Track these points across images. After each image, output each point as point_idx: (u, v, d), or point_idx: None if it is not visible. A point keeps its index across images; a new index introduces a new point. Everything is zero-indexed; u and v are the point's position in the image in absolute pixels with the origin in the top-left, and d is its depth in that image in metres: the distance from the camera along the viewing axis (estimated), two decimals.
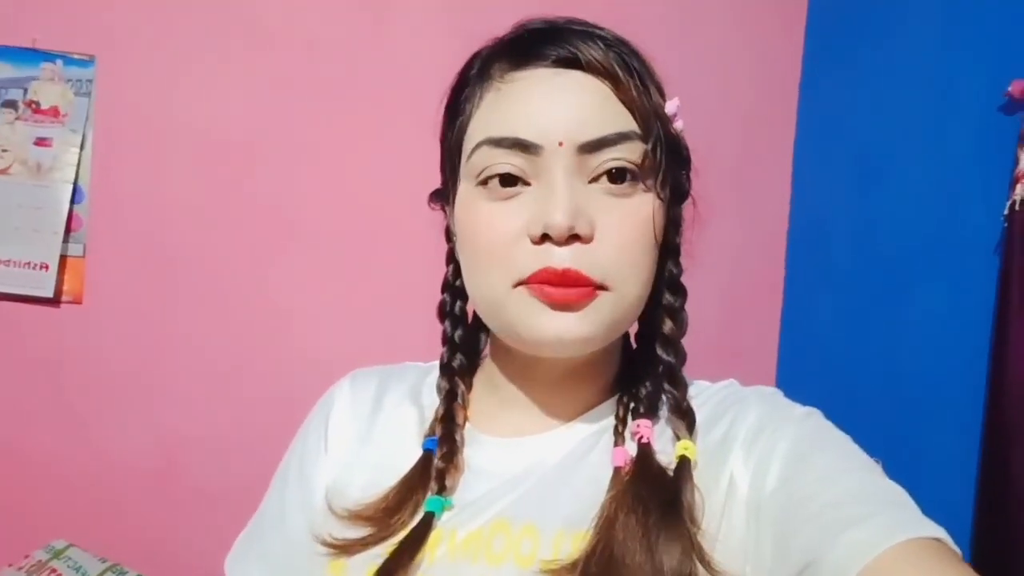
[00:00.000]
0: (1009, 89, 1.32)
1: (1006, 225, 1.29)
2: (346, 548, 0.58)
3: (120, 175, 1.60)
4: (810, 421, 0.56)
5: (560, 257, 0.54)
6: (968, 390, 1.35)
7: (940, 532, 0.46)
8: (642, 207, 0.56)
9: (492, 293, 0.57)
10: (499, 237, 0.56)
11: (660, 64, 0.61)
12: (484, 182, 0.56)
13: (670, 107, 0.60)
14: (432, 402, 0.66)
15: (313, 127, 1.66)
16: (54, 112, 1.59)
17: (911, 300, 1.52)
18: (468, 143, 0.58)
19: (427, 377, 0.70)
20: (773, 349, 1.86)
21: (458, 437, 0.62)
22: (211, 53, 1.63)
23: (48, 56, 1.58)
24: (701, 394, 0.62)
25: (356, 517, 0.59)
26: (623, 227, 0.55)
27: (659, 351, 0.61)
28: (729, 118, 1.82)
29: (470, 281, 0.60)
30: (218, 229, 1.64)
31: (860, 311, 1.65)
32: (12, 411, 1.58)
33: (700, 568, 0.51)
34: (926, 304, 1.49)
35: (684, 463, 0.55)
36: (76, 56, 1.59)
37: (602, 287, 0.55)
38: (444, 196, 0.64)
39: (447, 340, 0.67)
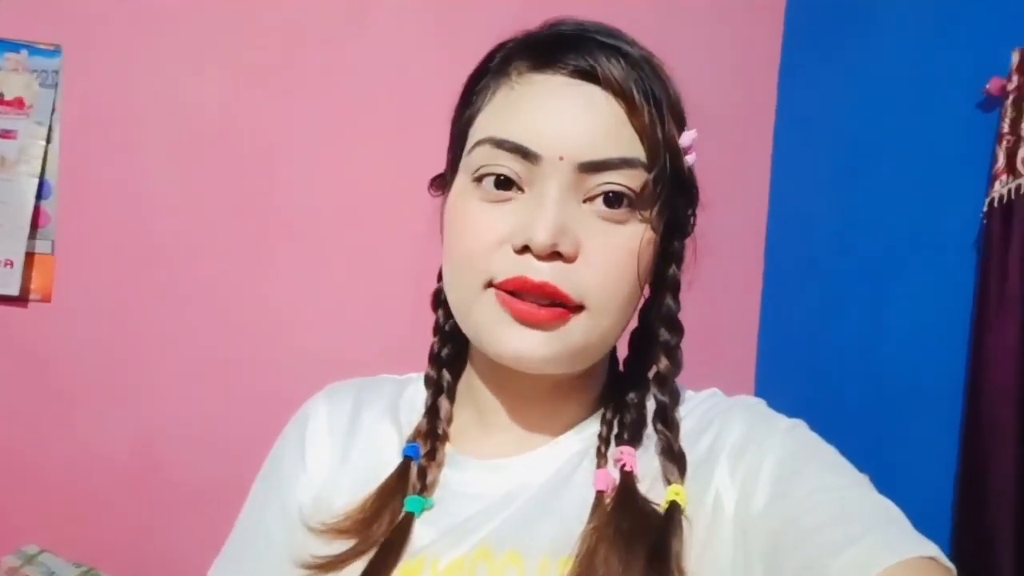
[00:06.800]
0: (987, 86, 1.34)
1: (985, 222, 1.31)
2: (326, 566, 0.57)
3: (89, 169, 1.55)
4: (795, 434, 0.55)
5: (539, 270, 0.53)
6: (948, 387, 1.37)
7: (933, 549, 0.46)
8: (633, 237, 0.55)
9: (463, 292, 0.56)
10: (481, 240, 0.55)
11: None
12: (479, 179, 0.55)
13: (685, 139, 0.58)
14: (410, 420, 0.65)
15: (287, 117, 1.63)
16: (19, 104, 1.53)
17: (891, 297, 1.54)
18: (472, 137, 0.57)
19: (404, 392, 0.68)
20: (752, 345, 1.87)
21: (441, 431, 0.62)
22: (182, 42, 1.58)
23: (12, 46, 1.52)
24: (684, 404, 0.60)
25: (334, 530, 0.58)
26: (609, 253, 0.54)
27: (653, 390, 0.59)
28: (707, 113, 1.81)
29: (446, 276, 0.59)
30: (191, 223, 1.59)
31: (839, 307, 1.66)
32: None
33: None
34: (906, 301, 1.50)
35: (675, 508, 0.53)
36: (41, 46, 1.53)
37: (580, 307, 0.54)
38: (445, 182, 0.63)
39: (438, 329, 0.65)
